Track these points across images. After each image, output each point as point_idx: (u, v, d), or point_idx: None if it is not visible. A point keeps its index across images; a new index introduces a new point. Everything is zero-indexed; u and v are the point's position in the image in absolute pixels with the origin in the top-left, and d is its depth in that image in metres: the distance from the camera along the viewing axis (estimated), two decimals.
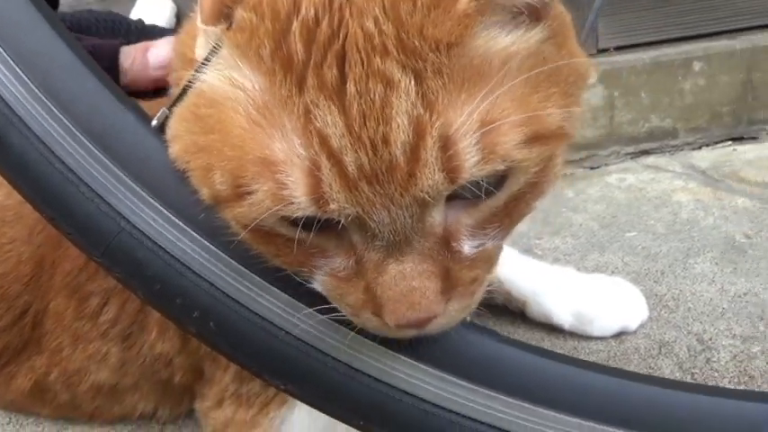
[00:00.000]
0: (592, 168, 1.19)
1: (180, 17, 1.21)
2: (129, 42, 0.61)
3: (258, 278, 0.42)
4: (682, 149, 1.20)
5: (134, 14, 1.18)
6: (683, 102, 1.18)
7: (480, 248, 0.36)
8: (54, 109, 0.42)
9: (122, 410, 0.64)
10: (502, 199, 0.35)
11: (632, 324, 0.68)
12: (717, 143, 1.20)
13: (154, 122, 0.43)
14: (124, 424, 0.66)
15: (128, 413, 0.64)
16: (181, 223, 0.42)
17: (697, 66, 1.15)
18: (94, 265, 0.55)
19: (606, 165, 1.19)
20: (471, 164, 0.31)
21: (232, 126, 0.34)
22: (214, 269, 0.42)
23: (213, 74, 0.36)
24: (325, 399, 0.43)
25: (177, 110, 0.40)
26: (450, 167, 0.31)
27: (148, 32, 0.67)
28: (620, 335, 0.68)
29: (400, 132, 0.31)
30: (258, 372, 0.44)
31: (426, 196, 0.32)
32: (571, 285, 0.70)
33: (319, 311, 0.39)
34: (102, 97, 0.43)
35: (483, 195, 0.34)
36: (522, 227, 1.03)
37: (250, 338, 0.42)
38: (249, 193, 0.33)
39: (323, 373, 0.42)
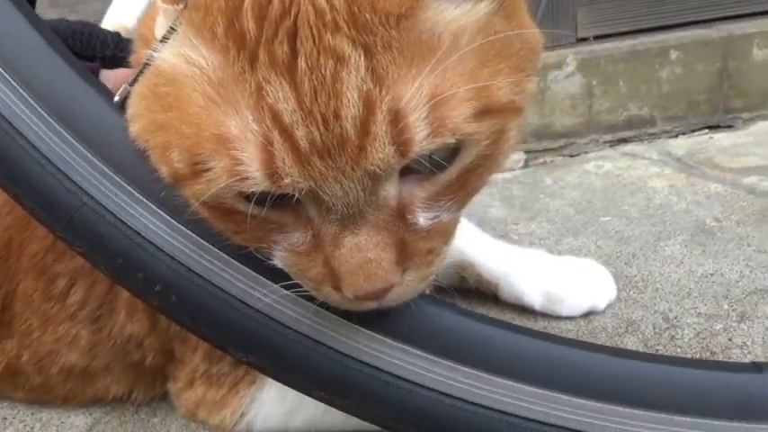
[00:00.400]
0: (571, 156, 1.21)
1: None
2: (104, 57, 0.60)
3: (220, 252, 0.42)
4: (659, 137, 1.21)
5: (111, 12, 1.17)
6: (661, 90, 1.19)
7: (435, 220, 0.37)
8: (16, 85, 0.42)
9: (95, 393, 0.64)
10: (454, 172, 0.36)
11: (600, 304, 0.69)
12: (694, 131, 1.22)
13: (116, 99, 0.43)
14: (99, 406, 0.66)
15: (101, 396, 0.65)
16: (142, 198, 0.42)
17: (674, 54, 1.17)
18: (61, 246, 0.55)
19: (585, 153, 1.21)
20: (421, 137, 0.32)
21: (189, 104, 0.35)
22: (176, 243, 0.42)
23: (170, 52, 0.36)
24: (286, 371, 0.44)
25: (136, 88, 0.40)
26: (400, 141, 0.32)
27: (125, 46, 0.66)
28: (588, 315, 0.69)
29: (351, 107, 0.31)
30: (220, 344, 0.44)
31: (377, 169, 0.32)
32: (542, 267, 0.71)
33: (284, 287, 0.40)
34: (65, 74, 0.43)
35: (435, 170, 0.35)
36: (499, 212, 1.05)
37: (211, 311, 0.43)
38: (206, 171, 0.34)
39: (284, 346, 0.42)
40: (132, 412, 0.66)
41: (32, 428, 0.65)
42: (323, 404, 0.55)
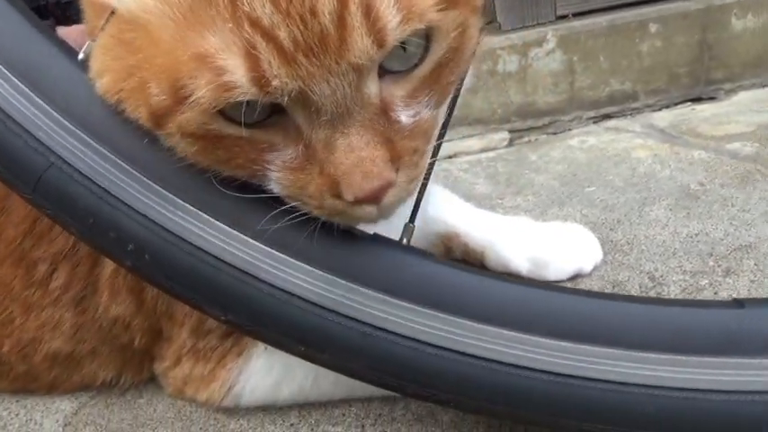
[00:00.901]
0: (555, 134, 1.21)
1: None
2: (57, 16, 0.59)
3: (191, 207, 0.42)
4: (642, 112, 1.22)
5: None
6: (642, 64, 1.19)
7: (416, 118, 0.38)
8: None
9: (82, 379, 0.63)
10: (428, 67, 0.38)
11: (587, 266, 0.69)
12: (676, 104, 1.22)
13: (80, 56, 0.43)
14: (85, 391, 0.65)
15: (88, 382, 0.63)
16: (111, 155, 0.42)
17: (653, 27, 1.17)
18: (39, 231, 0.54)
19: (569, 129, 1.21)
20: (394, 25, 0.33)
21: (160, 37, 0.35)
22: (146, 200, 0.42)
23: None
24: (265, 326, 0.43)
25: (98, 44, 0.40)
26: (376, 30, 0.33)
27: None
28: (575, 277, 0.69)
29: (326, 2, 0.32)
30: (197, 303, 0.44)
31: (360, 61, 0.34)
32: (527, 233, 0.71)
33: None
34: (26, 32, 0.42)
35: (410, 68, 0.37)
36: (485, 188, 1.04)
37: (186, 269, 0.42)
38: (189, 95, 0.34)
39: (260, 301, 0.42)
40: (118, 395, 0.65)
41: (17, 414, 0.64)
42: (311, 375, 0.55)
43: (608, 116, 1.22)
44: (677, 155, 0.98)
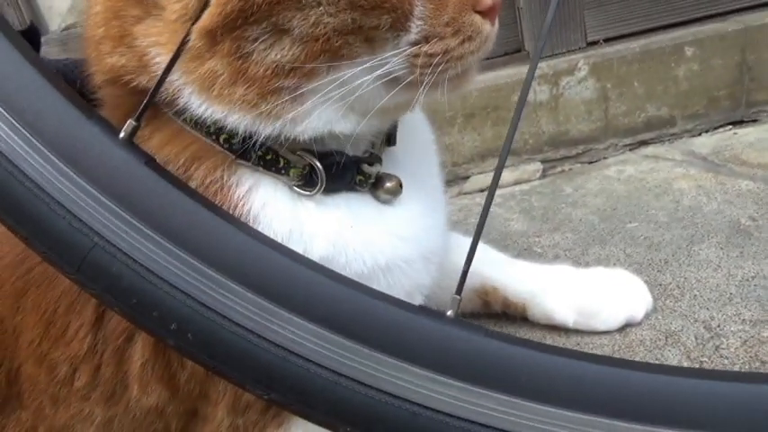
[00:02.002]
0: (590, 163, 1.18)
1: None
2: None
3: (234, 285, 0.41)
4: (681, 137, 1.18)
5: None
6: (678, 89, 1.16)
7: None
8: (19, 126, 0.42)
9: None
10: None
11: (638, 314, 0.65)
12: (716, 128, 1.18)
13: (121, 135, 0.42)
14: None
15: None
16: (153, 235, 0.41)
17: (689, 51, 1.14)
18: (54, 334, 0.53)
19: (605, 158, 1.18)
20: None
21: None
22: (189, 279, 0.41)
23: None
24: (310, 405, 0.41)
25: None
26: None
27: None
28: (625, 327, 0.66)
29: None
30: (240, 382, 0.42)
31: None
32: (569, 281, 0.68)
33: None
34: (67, 112, 0.42)
35: None
36: (520, 225, 1.02)
37: (230, 348, 0.41)
38: None
39: (306, 379, 0.40)
40: None
41: None
42: None
43: (645, 143, 1.18)
44: (723, 185, 0.94)
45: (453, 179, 1.15)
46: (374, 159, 0.52)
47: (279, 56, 0.42)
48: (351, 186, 0.50)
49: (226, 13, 0.41)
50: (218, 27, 0.41)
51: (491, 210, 1.15)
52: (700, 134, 1.18)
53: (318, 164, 0.48)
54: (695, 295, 0.69)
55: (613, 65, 1.14)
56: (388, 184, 0.51)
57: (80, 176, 0.41)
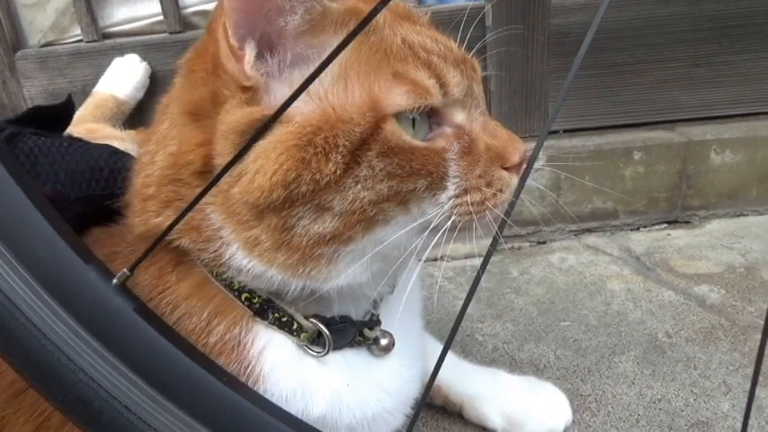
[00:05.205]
0: (538, 243, 1.27)
1: (154, 79, 1.22)
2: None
3: (205, 428, 0.45)
4: (621, 230, 1.29)
5: (106, 78, 1.19)
6: (624, 186, 1.26)
7: None
8: (18, 267, 0.45)
9: None
10: None
11: (558, 429, 0.74)
12: (653, 225, 1.30)
13: (114, 281, 0.46)
14: None
15: None
16: (134, 377, 0.45)
17: (637, 155, 1.25)
18: None
19: (552, 240, 1.27)
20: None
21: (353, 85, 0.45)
22: (162, 419, 0.45)
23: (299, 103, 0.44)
24: None
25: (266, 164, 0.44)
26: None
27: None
28: None
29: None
30: None
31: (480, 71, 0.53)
32: (502, 389, 0.76)
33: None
34: (68, 259, 0.46)
35: None
36: (468, 309, 1.08)
37: None
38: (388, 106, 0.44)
39: None
40: None
41: None
42: None
43: (588, 230, 1.29)
44: (649, 293, 1.04)
45: None
46: (374, 324, 0.56)
47: (320, 228, 0.45)
48: (351, 344, 0.54)
49: (272, 199, 0.44)
50: (264, 207, 0.44)
51: (440, 284, 1.20)
52: (638, 228, 1.29)
53: (326, 330, 0.52)
54: (609, 411, 0.78)
55: (568, 158, 1.24)
56: (383, 342, 0.56)
57: (70, 317, 0.45)
